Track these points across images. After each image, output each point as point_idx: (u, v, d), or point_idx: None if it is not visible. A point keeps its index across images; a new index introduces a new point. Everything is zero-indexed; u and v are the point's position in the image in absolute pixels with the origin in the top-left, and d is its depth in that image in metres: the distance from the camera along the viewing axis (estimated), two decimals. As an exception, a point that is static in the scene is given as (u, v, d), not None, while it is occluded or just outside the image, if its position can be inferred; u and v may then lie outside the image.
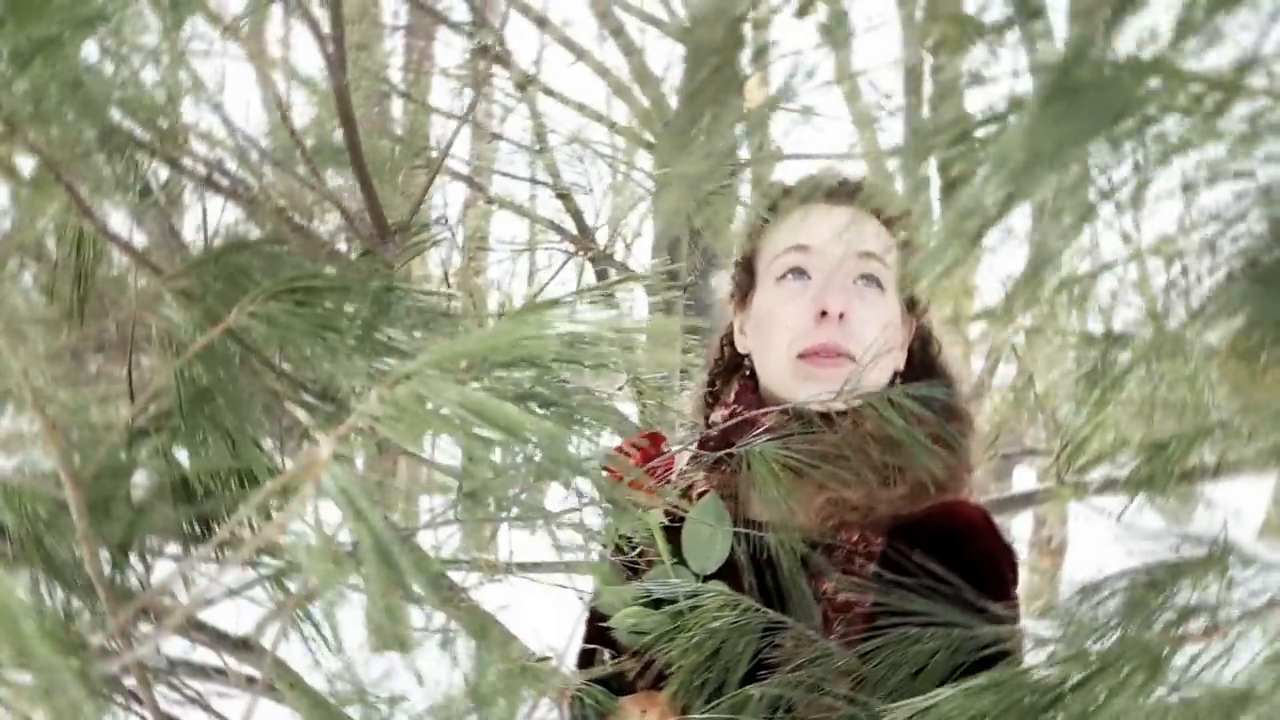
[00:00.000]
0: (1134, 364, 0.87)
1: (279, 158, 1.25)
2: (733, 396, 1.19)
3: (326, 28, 1.24)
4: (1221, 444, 0.96)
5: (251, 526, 0.73)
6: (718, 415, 1.18)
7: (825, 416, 1.09)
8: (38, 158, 0.66)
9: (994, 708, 0.62)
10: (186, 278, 0.69)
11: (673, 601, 1.03)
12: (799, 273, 1.16)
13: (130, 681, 0.90)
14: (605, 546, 1.12)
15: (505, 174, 2.98)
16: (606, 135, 2.89)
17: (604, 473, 0.98)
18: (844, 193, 1.18)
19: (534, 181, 2.88)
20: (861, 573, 1.05)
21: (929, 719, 0.66)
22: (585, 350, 0.54)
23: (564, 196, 2.41)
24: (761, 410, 1.13)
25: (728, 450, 1.10)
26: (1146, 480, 1.07)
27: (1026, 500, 2.99)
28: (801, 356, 1.12)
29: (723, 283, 1.31)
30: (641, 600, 1.06)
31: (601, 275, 2.34)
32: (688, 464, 1.17)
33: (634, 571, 1.11)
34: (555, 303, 0.59)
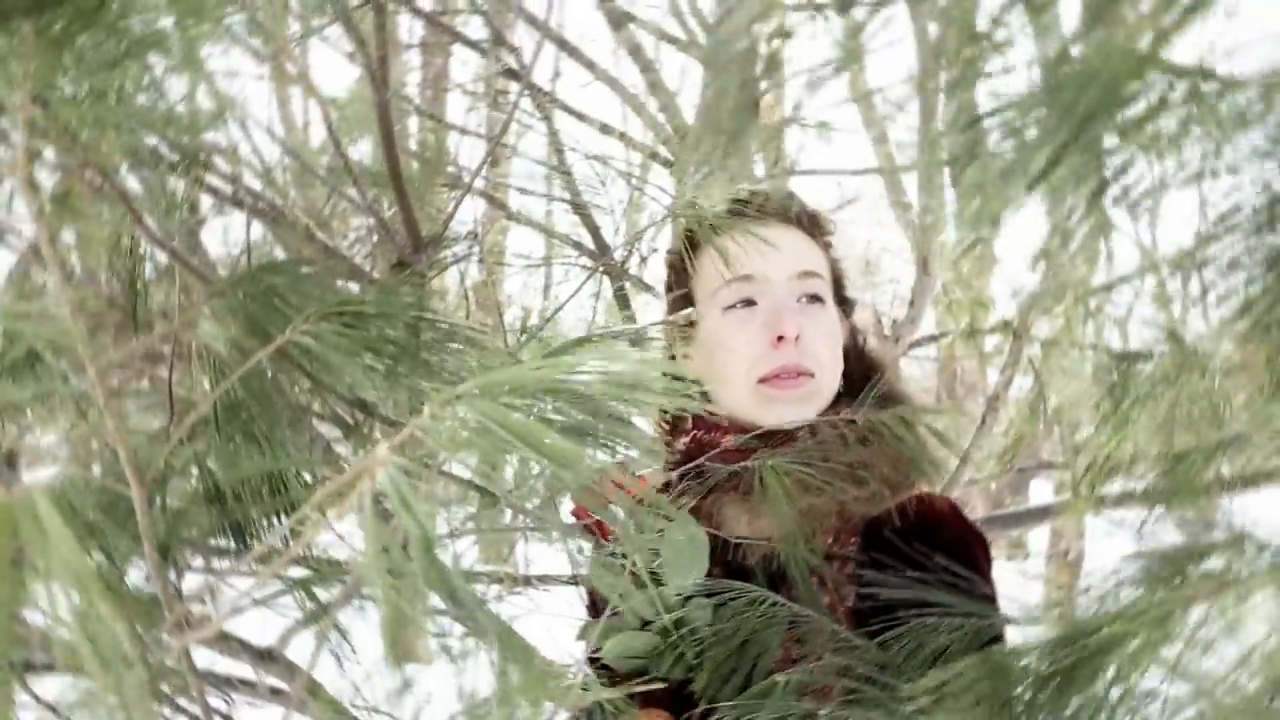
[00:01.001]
0: (1156, 383, 0.87)
1: (307, 174, 1.28)
2: (691, 423, 1.20)
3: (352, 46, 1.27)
4: (1240, 456, 0.96)
5: (289, 537, 0.75)
6: (681, 443, 1.20)
7: (784, 431, 1.13)
8: (98, 174, 0.69)
9: (1009, 675, 0.64)
10: (225, 294, 0.71)
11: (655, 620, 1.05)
12: (746, 301, 1.19)
13: (167, 688, 0.92)
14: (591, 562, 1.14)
15: (522, 190, 3.00)
16: (622, 151, 2.91)
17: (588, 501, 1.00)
18: (774, 213, 1.21)
19: (550, 197, 2.91)
20: (840, 574, 1.08)
21: (949, 690, 0.68)
22: (619, 386, 0.58)
23: (580, 211, 2.43)
24: (725, 433, 1.16)
25: (733, 468, 1.11)
26: (1165, 493, 1.08)
27: (1043, 513, 2.99)
28: (763, 381, 1.15)
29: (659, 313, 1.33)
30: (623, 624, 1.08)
31: (618, 289, 2.36)
32: (660, 489, 1.19)
33: (598, 607, 1.12)
34: (589, 340, 0.63)
